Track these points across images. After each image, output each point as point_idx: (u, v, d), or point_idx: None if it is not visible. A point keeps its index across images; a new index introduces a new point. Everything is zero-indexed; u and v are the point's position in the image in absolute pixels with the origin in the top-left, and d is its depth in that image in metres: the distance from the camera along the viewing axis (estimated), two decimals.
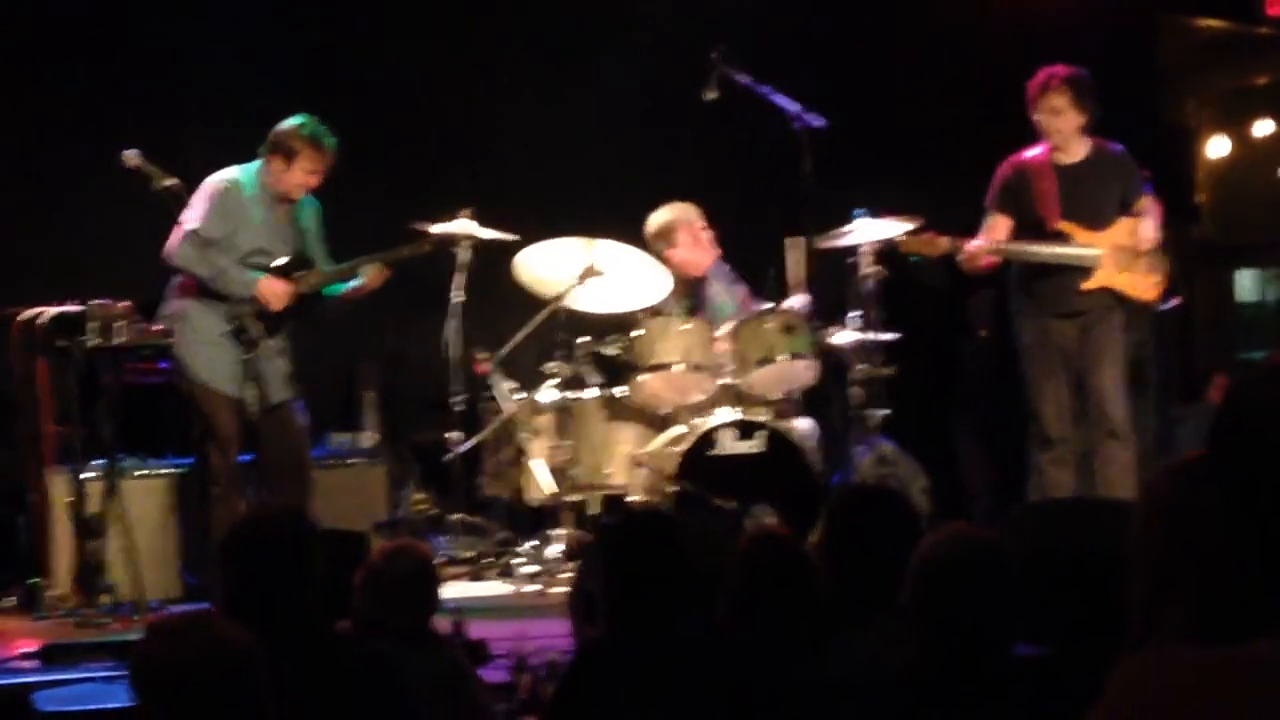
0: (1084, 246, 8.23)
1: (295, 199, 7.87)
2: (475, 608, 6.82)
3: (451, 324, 8.38)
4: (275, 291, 7.68)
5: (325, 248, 8.05)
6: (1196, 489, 2.72)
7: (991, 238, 8.25)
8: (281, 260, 7.79)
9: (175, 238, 7.53)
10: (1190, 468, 2.78)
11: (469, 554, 8.63)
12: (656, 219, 9.01)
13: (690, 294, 9.07)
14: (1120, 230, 8.30)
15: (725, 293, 9.15)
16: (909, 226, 8.23)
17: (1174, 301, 8.64)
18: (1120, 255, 8.28)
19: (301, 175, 7.78)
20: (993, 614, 3.60)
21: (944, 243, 8.12)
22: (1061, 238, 8.23)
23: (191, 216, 7.48)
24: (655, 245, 8.97)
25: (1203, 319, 11.54)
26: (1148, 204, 8.39)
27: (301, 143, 7.75)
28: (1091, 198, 8.30)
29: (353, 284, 7.92)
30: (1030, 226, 8.28)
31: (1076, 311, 8.28)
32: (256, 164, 7.84)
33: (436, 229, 8.27)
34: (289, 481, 7.61)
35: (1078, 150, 8.34)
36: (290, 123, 7.79)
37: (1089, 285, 8.22)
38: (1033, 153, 8.37)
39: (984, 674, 3.57)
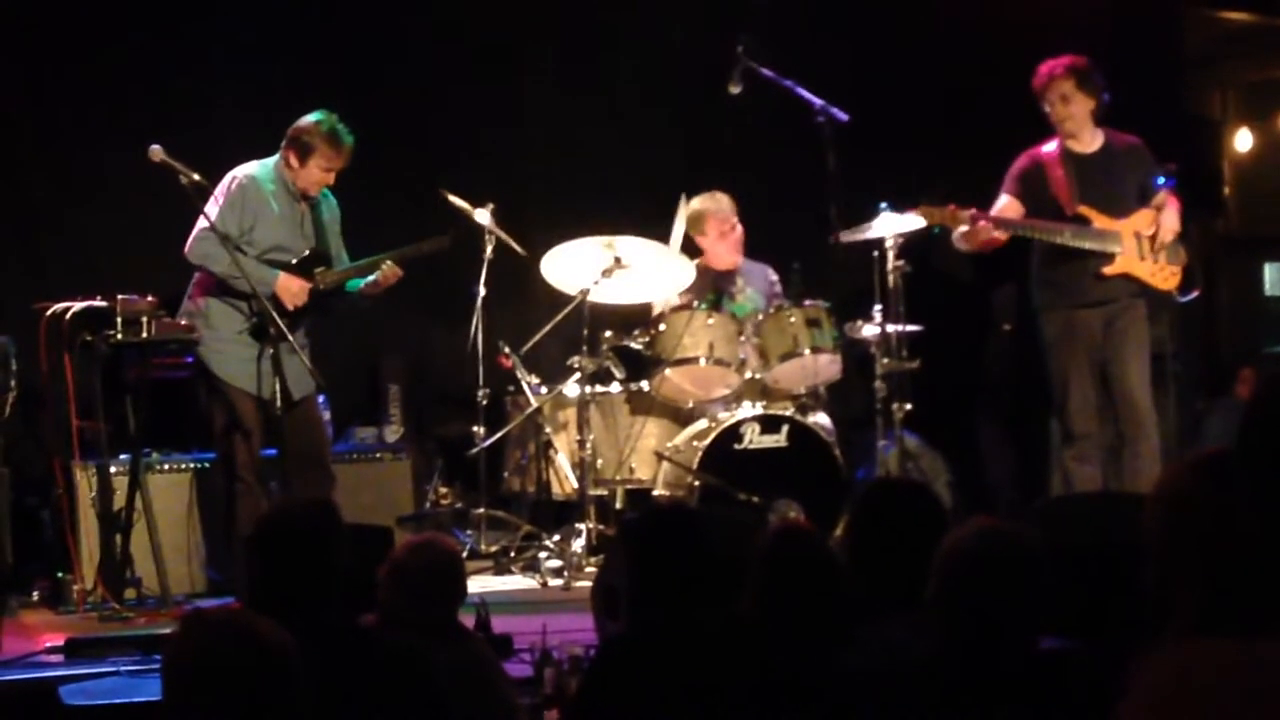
0: (1103, 231, 8.22)
1: (312, 195, 7.86)
2: (499, 602, 6.83)
3: (476, 318, 8.40)
4: (293, 289, 7.67)
5: (343, 244, 8.05)
6: (1209, 483, 2.72)
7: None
8: (300, 256, 7.79)
9: (193, 236, 7.54)
10: (1203, 462, 2.78)
11: (493, 548, 8.64)
12: (693, 205, 9.12)
13: (716, 287, 9.09)
14: (1140, 219, 8.29)
15: (754, 295, 9.16)
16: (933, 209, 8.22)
17: (1194, 293, 8.62)
18: (1140, 242, 8.26)
19: (318, 172, 7.77)
20: (1018, 607, 3.60)
21: (964, 216, 8.10)
22: (1080, 222, 8.23)
23: (209, 213, 7.48)
24: (690, 230, 9.10)
25: (1228, 312, 11.52)
26: (1164, 200, 8.37)
27: (319, 139, 7.73)
28: (1108, 187, 8.30)
29: (369, 280, 7.90)
30: (1048, 215, 8.27)
31: (1100, 301, 8.27)
32: (275, 159, 7.84)
33: (457, 202, 8.30)
34: (310, 476, 7.60)
35: (1091, 140, 8.36)
36: (308, 119, 7.78)
37: (1111, 270, 8.21)
38: (1048, 148, 8.38)
39: (1009, 667, 3.57)
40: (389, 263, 7.85)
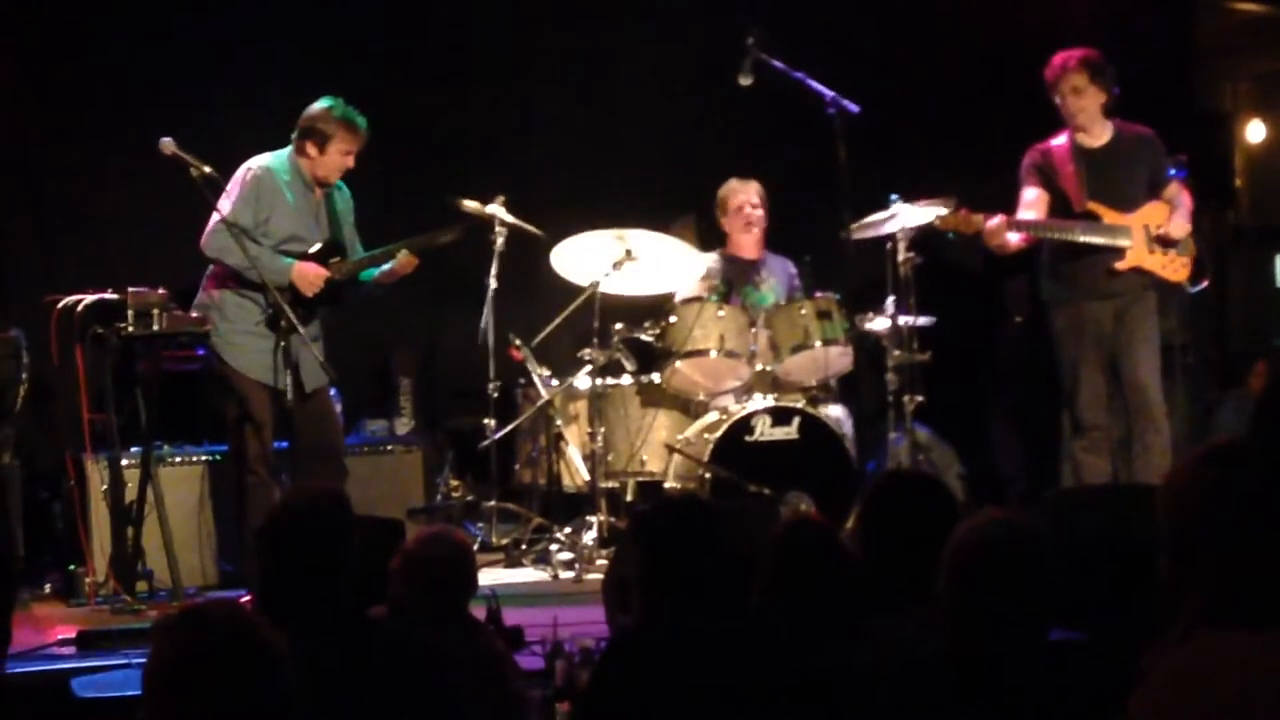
0: (1114, 226, 8.21)
1: (333, 182, 7.87)
2: (511, 594, 6.83)
3: (487, 311, 8.40)
4: (310, 277, 7.68)
5: (356, 234, 8.06)
6: (1221, 475, 2.71)
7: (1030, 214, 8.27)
8: (315, 246, 7.79)
9: (208, 229, 7.54)
10: (1215, 454, 2.78)
11: (504, 540, 8.64)
12: (722, 188, 9.23)
13: (739, 276, 9.12)
14: (1150, 212, 8.28)
15: (775, 286, 9.18)
16: (943, 211, 8.20)
17: (1204, 283, 8.61)
18: (1149, 235, 8.26)
19: (338, 157, 7.78)
20: (1029, 599, 3.59)
21: (978, 220, 8.11)
22: (1091, 219, 8.22)
23: (224, 205, 7.48)
24: (717, 213, 9.26)
25: (1240, 304, 11.49)
26: (1177, 191, 8.35)
27: (334, 125, 7.74)
28: (1118, 180, 8.29)
29: (384, 268, 7.91)
30: (1058, 210, 8.28)
31: (1110, 294, 8.26)
32: (288, 150, 7.84)
33: (471, 205, 8.29)
34: (322, 468, 7.60)
35: (1101, 133, 8.35)
36: (319, 106, 7.79)
37: (1122, 265, 8.20)
38: (1057, 141, 8.37)
39: (1019, 659, 3.57)
40: (404, 251, 7.86)
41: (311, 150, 7.77)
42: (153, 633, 2.98)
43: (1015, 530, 3.65)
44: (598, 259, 8.60)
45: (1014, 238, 8.23)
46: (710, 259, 9.14)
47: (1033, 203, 8.32)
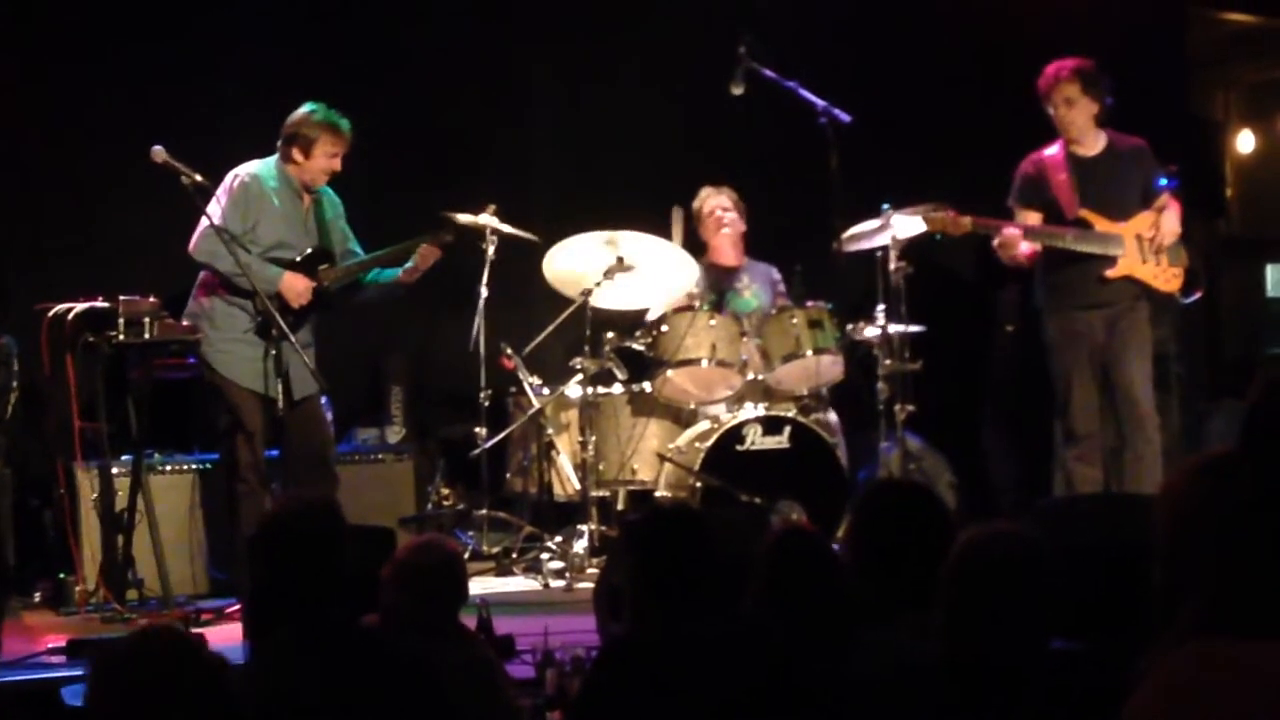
0: (1105, 235, 8.22)
1: (320, 185, 7.86)
2: (501, 603, 6.83)
3: (478, 319, 8.39)
4: (297, 288, 7.68)
5: (351, 235, 8.05)
6: (1216, 484, 2.72)
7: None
8: (304, 253, 7.79)
9: (197, 233, 7.54)
10: (1210, 464, 2.78)
11: (495, 549, 8.63)
12: (695, 197, 9.26)
13: (721, 283, 9.11)
14: (1142, 222, 8.29)
15: (758, 291, 9.18)
16: (936, 216, 8.21)
17: (1197, 294, 8.62)
18: (1143, 245, 8.27)
19: (324, 160, 7.78)
20: (1034, 611, 3.58)
21: (966, 222, 8.11)
22: (1083, 227, 8.23)
23: (213, 212, 7.48)
24: (695, 224, 9.26)
25: (1231, 313, 11.51)
26: (1167, 200, 8.37)
27: (317, 129, 7.75)
28: (1110, 189, 8.31)
29: (406, 267, 7.92)
30: (1051, 220, 8.29)
31: (1102, 303, 8.27)
32: (275, 157, 7.84)
33: (464, 219, 8.28)
34: (313, 477, 7.60)
35: (1094, 143, 8.36)
36: (300, 112, 7.79)
37: (1113, 273, 8.21)
38: (1050, 151, 8.38)
39: (1014, 668, 3.56)
40: (425, 245, 7.87)
41: (297, 156, 7.78)
42: (92, 664, 2.94)
43: (1018, 541, 3.64)
44: (590, 263, 8.60)
45: (1025, 248, 8.24)
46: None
47: (1021, 221, 8.33)
